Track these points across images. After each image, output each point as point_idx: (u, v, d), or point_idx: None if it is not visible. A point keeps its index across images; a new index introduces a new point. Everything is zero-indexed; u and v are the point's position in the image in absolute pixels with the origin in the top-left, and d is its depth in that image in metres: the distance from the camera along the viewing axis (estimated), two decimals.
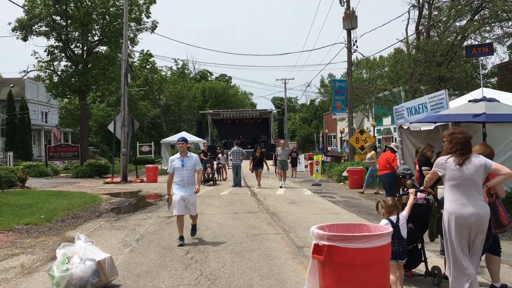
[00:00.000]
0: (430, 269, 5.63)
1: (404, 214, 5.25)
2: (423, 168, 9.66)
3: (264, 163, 18.69)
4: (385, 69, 31.46)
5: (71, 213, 11.86)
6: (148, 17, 33.67)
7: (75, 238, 5.98)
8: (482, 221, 4.63)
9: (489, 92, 11.30)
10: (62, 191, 17.53)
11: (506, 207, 5.40)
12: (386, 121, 39.87)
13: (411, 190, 5.53)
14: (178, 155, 8.29)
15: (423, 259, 5.68)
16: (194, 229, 8.71)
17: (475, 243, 4.70)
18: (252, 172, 19.02)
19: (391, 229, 4.23)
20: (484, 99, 9.17)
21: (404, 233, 5.16)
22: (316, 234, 4.01)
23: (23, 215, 11.14)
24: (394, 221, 5.12)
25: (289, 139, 62.50)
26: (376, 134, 43.28)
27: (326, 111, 59.27)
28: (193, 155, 8.44)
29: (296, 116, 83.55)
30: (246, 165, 20.51)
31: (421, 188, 5.65)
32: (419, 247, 5.66)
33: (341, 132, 51.75)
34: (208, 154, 24.43)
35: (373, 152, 17.23)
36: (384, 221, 5.18)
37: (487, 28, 22.86)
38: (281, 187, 17.96)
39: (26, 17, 30.46)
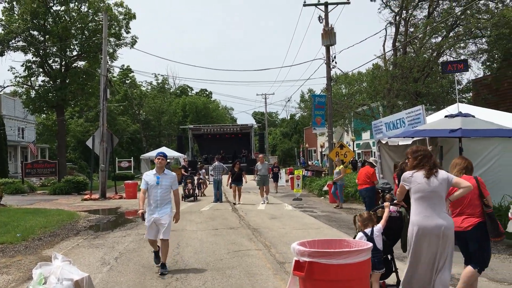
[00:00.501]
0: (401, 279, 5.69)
1: (379, 226, 5.40)
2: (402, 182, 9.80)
3: (243, 178, 18.26)
4: (364, 85, 31.98)
5: (48, 231, 11.61)
6: (127, 32, 33.56)
7: (52, 257, 5.85)
8: (446, 233, 4.79)
9: (465, 108, 11.56)
10: (39, 208, 17.17)
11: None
12: (365, 135, 40.36)
13: (386, 204, 5.69)
14: (154, 171, 7.47)
15: (394, 270, 5.75)
16: (164, 267, 7.29)
17: (442, 257, 4.83)
18: (230, 188, 18.49)
19: (370, 245, 4.26)
20: (460, 114, 9.38)
21: (379, 245, 5.29)
22: (297, 250, 4.01)
23: None
24: (369, 234, 5.29)
25: (270, 154, 62.71)
26: (355, 149, 43.73)
27: (306, 125, 59.74)
28: (171, 173, 7.58)
29: (276, 131, 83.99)
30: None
31: (395, 201, 5.78)
32: (389, 258, 5.75)
33: (321, 147, 52.14)
34: (189, 169, 24.27)
35: (341, 166, 17.14)
36: (360, 234, 5.35)
37: (462, 44, 23.47)
38: (263, 203, 17.69)
39: (2, 32, 30.06)
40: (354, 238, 5.47)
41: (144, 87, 68.20)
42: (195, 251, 8.87)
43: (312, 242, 4.35)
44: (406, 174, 5.11)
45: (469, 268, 5.24)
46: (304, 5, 24.18)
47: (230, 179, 18.28)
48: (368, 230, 5.34)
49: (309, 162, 52.47)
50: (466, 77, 39.59)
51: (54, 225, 12.58)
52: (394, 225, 5.71)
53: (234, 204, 17.52)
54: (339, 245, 4.39)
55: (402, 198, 5.46)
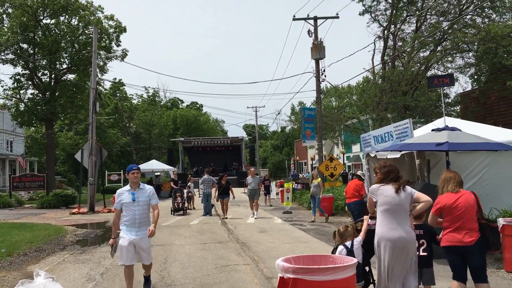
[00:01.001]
0: None
1: (359, 239, 5.54)
2: None
3: (230, 191, 17.75)
4: (354, 97, 32.19)
5: (34, 246, 11.46)
6: (118, 45, 33.62)
7: (34, 274, 5.76)
8: (408, 245, 5.00)
9: (452, 121, 11.65)
10: (25, 222, 16.96)
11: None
12: (355, 148, 40.53)
13: (365, 217, 5.80)
14: (127, 187, 6.64)
15: (371, 281, 5.77)
16: (147, 281, 6.96)
17: (405, 267, 5.01)
18: (217, 201, 18.08)
19: (355, 261, 4.24)
20: (446, 128, 9.44)
21: (359, 257, 5.37)
22: (281, 267, 3.98)
23: None
24: (349, 246, 5.42)
25: (260, 166, 62.63)
26: (346, 161, 43.84)
27: (297, 138, 59.91)
28: (147, 186, 6.74)
29: (267, 143, 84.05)
30: None
31: (370, 214, 5.84)
32: (367, 270, 5.77)
33: (312, 159, 52.19)
34: (179, 182, 24.02)
35: (319, 179, 17.00)
36: (340, 247, 5.49)
37: (449, 58, 23.75)
38: (252, 216, 17.41)
39: None
40: (334, 251, 5.57)
41: (135, 99, 68.09)
42: (183, 266, 8.78)
43: (297, 258, 4.32)
44: (374, 187, 5.29)
45: (486, 285, 5.34)
46: (294, 19, 24.37)
47: (217, 192, 17.90)
48: (348, 243, 5.47)
49: (299, 174, 52.51)
50: (454, 90, 40.07)
51: (40, 240, 12.42)
52: (373, 237, 5.72)
53: (223, 218, 17.23)
54: (325, 261, 4.36)
55: (373, 210, 5.57)
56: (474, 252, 5.29)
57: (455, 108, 26.92)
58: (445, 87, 17.28)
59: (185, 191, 21.81)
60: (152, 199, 6.69)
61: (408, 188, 5.17)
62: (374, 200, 5.25)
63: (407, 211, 5.12)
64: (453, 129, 9.30)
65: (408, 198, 5.09)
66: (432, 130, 9.77)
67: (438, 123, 11.57)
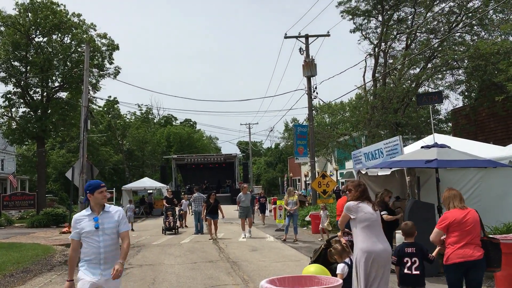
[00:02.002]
0: None
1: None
2: (382, 213, 9.77)
3: (219, 210, 16.85)
4: (346, 114, 32.33)
5: (21, 267, 11.26)
6: (111, 63, 33.65)
7: None
8: (386, 256, 5.37)
9: (441, 138, 11.68)
10: (14, 242, 16.71)
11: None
12: (349, 164, 40.48)
13: (339, 234, 5.97)
14: (88, 210, 4.97)
15: None
16: None
17: (385, 274, 5.35)
18: (205, 221, 17.49)
19: (340, 281, 4.18)
20: (435, 145, 9.46)
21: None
22: None
23: None
24: (349, 263, 5.59)
25: (254, 183, 62.45)
26: (339, 178, 43.79)
27: (290, 155, 59.81)
28: (113, 208, 5.08)
29: (261, 160, 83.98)
30: None
31: (345, 230, 6.04)
32: None
33: (306, 176, 52.12)
34: (174, 200, 23.27)
35: (296, 196, 16.65)
36: (341, 265, 5.62)
37: (440, 75, 23.96)
38: (244, 237, 16.47)
39: None
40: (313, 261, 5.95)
41: (128, 118, 68.00)
42: (171, 287, 8.65)
43: (282, 279, 4.25)
44: (352, 204, 5.51)
45: None
46: (285, 37, 24.56)
47: (205, 211, 17.07)
48: (348, 260, 5.62)
49: (296, 191, 52.26)
50: (445, 107, 40.35)
51: (28, 260, 12.22)
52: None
53: (210, 239, 16.20)
54: (310, 282, 4.29)
55: (344, 226, 5.90)
56: (479, 267, 5.41)
57: (447, 124, 27.08)
58: (434, 104, 17.42)
59: (177, 209, 21.65)
60: (121, 225, 4.99)
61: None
62: (353, 217, 5.45)
63: (381, 225, 5.55)
64: (442, 146, 9.31)
65: (379, 215, 5.58)
66: (422, 147, 9.79)
67: (428, 140, 11.61)
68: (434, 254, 5.74)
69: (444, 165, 8.65)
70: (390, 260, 5.46)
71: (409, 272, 5.58)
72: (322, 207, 16.10)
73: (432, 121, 12.46)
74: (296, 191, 45.25)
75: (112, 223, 4.95)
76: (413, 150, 11.15)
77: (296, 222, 16.09)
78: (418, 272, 5.56)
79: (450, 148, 9.36)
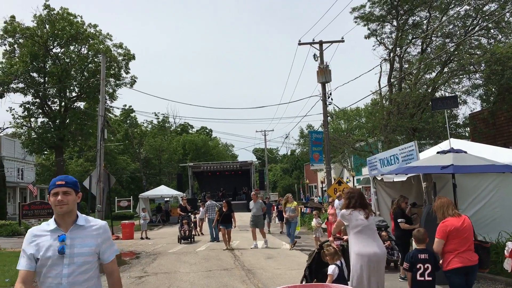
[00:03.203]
0: None
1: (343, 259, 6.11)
2: (398, 220, 9.65)
3: (232, 219, 15.98)
4: (362, 120, 32.12)
5: None
6: (127, 72, 34.16)
7: None
8: (381, 258, 5.72)
9: (458, 143, 11.49)
10: None
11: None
12: (365, 170, 40.11)
13: (330, 239, 6.47)
14: (50, 224, 3.24)
15: None
16: None
17: (381, 276, 5.70)
18: (219, 230, 16.82)
19: None
20: (451, 150, 9.31)
21: (346, 274, 5.96)
22: None
23: None
24: (340, 265, 5.94)
25: (270, 190, 62.32)
26: (356, 184, 43.47)
27: (306, 161, 59.63)
28: (96, 223, 3.30)
29: (277, 167, 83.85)
30: None
31: (337, 235, 6.65)
32: None
33: (322, 182, 51.88)
34: (190, 207, 23.01)
35: (294, 203, 16.19)
36: (332, 266, 5.93)
37: (456, 80, 23.66)
38: (253, 247, 15.69)
39: (2, 74, 30.48)
40: (307, 269, 6.33)
41: (145, 126, 68.63)
42: None
43: (294, 287, 4.20)
44: (344, 212, 5.92)
45: None
46: (299, 44, 24.54)
47: (218, 220, 16.45)
48: (338, 262, 5.97)
49: (313, 198, 52.04)
50: (462, 111, 39.87)
51: None
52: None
53: (225, 249, 15.44)
54: None
55: (337, 231, 6.45)
56: (475, 270, 5.75)
57: (465, 129, 26.69)
58: (450, 109, 17.19)
59: (195, 216, 21.57)
60: (104, 251, 3.25)
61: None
62: (346, 223, 5.90)
63: (375, 230, 5.92)
64: (458, 151, 9.16)
65: (374, 221, 5.99)
66: (438, 152, 9.64)
67: (444, 145, 11.44)
68: (441, 261, 5.79)
69: (460, 171, 8.51)
70: (383, 263, 5.77)
71: (422, 278, 5.63)
72: (315, 214, 15.82)
73: (448, 126, 12.24)
74: (313, 198, 44.91)
75: (88, 246, 3.11)
76: (429, 155, 11.00)
77: (294, 230, 15.63)
78: (430, 278, 5.64)
79: (466, 153, 9.21)
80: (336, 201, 18.35)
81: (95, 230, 3.23)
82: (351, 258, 5.78)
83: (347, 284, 5.62)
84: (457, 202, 9.25)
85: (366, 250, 5.65)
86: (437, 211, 5.92)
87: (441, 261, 5.76)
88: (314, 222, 15.34)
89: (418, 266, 5.68)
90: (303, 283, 6.27)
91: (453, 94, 20.90)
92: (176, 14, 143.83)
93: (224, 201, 17.21)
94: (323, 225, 20.14)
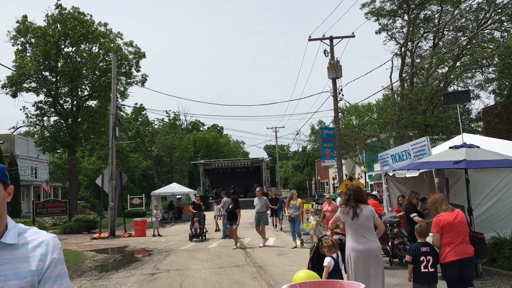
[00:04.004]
0: None
1: (339, 252, 6.34)
2: (412, 215, 9.58)
3: (238, 216, 15.37)
4: (374, 116, 31.90)
5: None
6: (138, 71, 34.27)
7: None
8: (373, 254, 5.90)
9: (471, 138, 11.35)
10: None
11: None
12: (377, 167, 39.82)
13: (328, 233, 6.83)
14: None
15: None
16: None
17: (376, 273, 5.88)
18: (227, 228, 16.29)
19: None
20: (464, 145, 9.21)
21: (342, 266, 6.23)
22: None
23: None
24: (335, 258, 6.19)
25: (282, 187, 62.24)
26: (368, 180, 43.25)
27: (317, 158, 59.41)
28: (37, 238, 1.98)
29: (288, 164, 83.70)
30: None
31: (334, 231, 6.88)
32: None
33: (333, 179, 51.67)
34: (202, 206, 22.36)
35: (299, 200, 15.75)
36: (328, 259, 6.17)
37: (469, 74, 23.36)
38: (261, 245, 15.24)
39: (16, 74, 30.77)
40: (312, 262, 6.62)
41: (156, 124, 68.95)
42: None
43: (304, 284, 4.17)
44: (342, 209, 6.19)
45: None
46: (310, 39, 24.41)
47: (226, 217, 16.00)
48: (335, 255, 6.22)
49: (325, 194, 51.80)
50: (476, 106, 39.41)
51: None
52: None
53: (234, 248, 15.07)
54: (332, 287, 4.20)
55: (334, 226, 6.72)
56: (472, 261, 6.00)
57: (478, 124, 26.37)
58: (462, 104, 16.98)
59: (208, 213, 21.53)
60: (47, 280, 1.93)
61: (370, 209, 6.10)
62: (343, 219, 6.13)
63: (371, 227, 6.00)
64: (471, 146, 9.05)
65: (370, 218, 6.00)
66: (450, 147, 9.54)
67: (456, 140, 11.31)
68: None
69: (473, 166, 8.41)
70: (376, 258, 5.92)
71: (426, 270, 5.88)
72: (313, 212, 15.43)
73: (460, 121, 12.09)
74: (325, 195, 44.84)
75: (19, 277, 1.89)
76: (441, 150, 10.89)
77: (298, 228, 15.25)
78: (433, 270, 5.91)
79: (479, 148, 9.09)
80: (338, 199, 18.41)
81: (34, 249, 1.96)
82: (346, 253, 6.10)
83: (342, 276, 6.04)
84: (470, 198, 9.16)
85: (360, 246, 5.90)
86: (431, 207, 6.29)
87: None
88: (312, 220, 15.01)
89: (421, 259, 5.92)
90: None
91: (465, 89, 20.63)
92: (185, 13, 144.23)
93: (230, 198, 16.67)
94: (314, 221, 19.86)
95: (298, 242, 15.19)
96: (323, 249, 6.39)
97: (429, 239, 6.26)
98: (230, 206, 15.78)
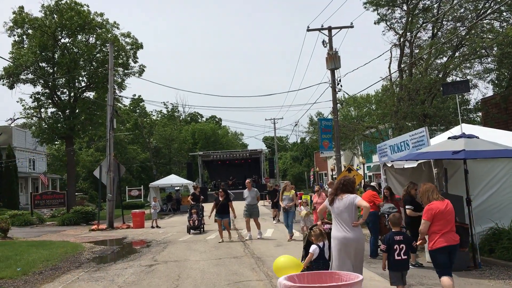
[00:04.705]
0: None
1: (327, 242, 6.61)
2: (407, 206, 9.54)
3: (230, 209, 14.58)
4: (373, 107, 31.81)
5: (50, 265, 11.47)
6: (135, 61, 34.07)
7: None
8: (352, 242, 6.17)
9: (470, 128, 11.31)
10: (44, 240, 17.07)
11: None
12: (376, 158, 39.91)
13: (319, 223, 6.96)
14: None
15: None
16: None
17: (356, 260, 6.21)
18: (215, 222, 14.92)
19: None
20: (463, 135, 9.16)
21: (327, 254, 6.54)
22: (283, 286, 3.82)
23: None
24: (321, 246, 6.53)
25: (280, 178, 62.27)
26: (366, 171, 43.28)
27: (316, 149, 59.38)
28: None
29: (287, 155, 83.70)
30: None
31: (324, 220, 7.16)
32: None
33: (332, 170, 51.69)
34: (201, 197, 20.89)
35: (292, 191, 15.18)
36: (313, 246, 6.52)
37: (468, 64, 23.27)
38: (248, 238, 14.72)
39: (12, 65, 30.56)
40: (303, 250, 7.02)
41: (154, 116, 68.79)
42: (195, 283, 8.64)
43: (302, 275, 4.15)
44: (328, 198, 6.59)
45: (451, 278, 6.24)
46: (308, 30, 24.23)
47: (214, 210, 14.75)
48: (321, 244, 6.54)
49: (326, 186, 51.77)
50: (474, 96, 39.36)
51: (57, 257, 12.45)
52: (328, 239, 6.78)
53: (220, 242, 14.34)
54: (330, 278, 4.18)
55: (321, 215, 7.14)
56: (457, 249, 6.40)
57: (477, 114, 26.33)
58: (461, 94, 16.94)
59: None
60: None
61: (350, 197, 6.30)
62: (328, 208, 6.52)
63: (350, 215, 6.24)
64: (470, 136, 9.01)
65: (350, 205, 6.24)
66: (449, 138, 9.49)
67: (455, 130, 11.26)
68: (418, 243, 6.57)
69: (472, 156, 8.37)
70: (355, 247, 6.18)
71: (399, 258, 6.28)
72: (304, 203, 14.99)
73: (459, 111, 12.01)
74: (326, 186, 44.83)
75: None
76: (440, 141, 10.84)
77: (292, 220, 14.78)
78: (406, 257, 6.35)
79: (478, 138, 9.05)
80: (330, 190, 18.27)
81: None
82: (331, 240, 6.45)
83: (327, 264, 6.44)
84: (469, 188, 9.12)
85: (338, 234, 6.23)
86: (423, 196, 6.56)
87: (416, 243, 6.56)
88: (303, 210, 14.59)
89: (394, 247, 6.31)
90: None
91: (464, 79, 20.55)
92: (184, 3, 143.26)
93: (220, 189, 15.36)
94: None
95: (297, 234, 15.10)
96: (311, 237, 6.75)
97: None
98: (220, 198, 14.60)
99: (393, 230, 6.57)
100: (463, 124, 11.04)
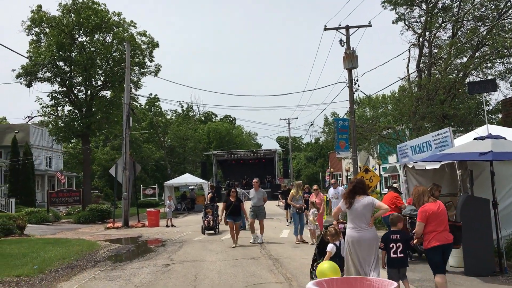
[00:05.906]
0: None
1: (343, 240, 6.81)
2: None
3: (242, 211, 13.99)
4: (389, 107, 31.42)
5: (66, 263, 11.44)
6: (151, 61, 34.14)
7: None
8: (367, 242, 6.26)
9: (495, 129, 10.98)
10: (60, 238, 17.10)
11: None
12: (392, 159, 39.50)
13: (334, 222, 7.16)
14: None
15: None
16: None
17: (369, 260, 6.24)
18: (226, 224, 13.91)
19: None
20: (490, 136, 8.87)
21: (343, 253, 6.68)
22: None
23: (15, 265, 10.73)
24: (338, 245, 6.89)
25: (294, 179, 61.99)
26: (382, 172, 42.83)
27: (331, 149, 59.01)
28: None
29: (301, 155, 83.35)
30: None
31: (339, 220, 7.29)
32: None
33: (347, 171, 51.29)
34: (216, 197, 21.14)
35: (300, 193, 14.45)
36: (330, 245, 6.90)
37: (489, 64, 22.81)
38: (252, 242, 13.96)
39: (30, 63, 30.78)
40: (318, 249, 7.32)
41: (169, 115, 68.95)
42: (213, 284, 8.50)
43: (331, 281, 3.97)
44: (343, 199, 6.63)
45: (444, 276, 6.47)
46: (325, 29, 23.95)
47: (225, 212, 13.90)
48: (337, 242, 6.86)
49: (340, 186, 51.34)
50: (495, 97, 38.68)
51: (73, 256, 12.41)
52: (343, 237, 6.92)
53: (234, 246, 13.51)
54: (361, 284, 3.99)
55: (337, 216, 7.22)
56: (451, 248, 6.70)
57: (496, 115, 25.81)
58: (487, 93, 16.56)
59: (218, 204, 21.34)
60: None
61: (368, 199, 6.37)
62: (343, 209, 6.56)
63: (366, 217, 6.32)
64: (497, 137, 8.72)
65: (368, 206, 6.31)
66: (475, 138, 9.20)
67: (480, 131, 10.94)
68: (414, 242, 6.87)
69: (500, 157, 8.08)
70: (367, 245, 6.23)
71: (395, 255, 6.46)
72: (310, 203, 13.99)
73: (485, 112, 11.70)
74: (341, 187, 44.37)
75: None
76: (464, 142, 10.54)
77: (304, 222, 14.31)
78: (402, 255, 6.51)
79: (505, 139, 8.75)
80: (332, 190, 18.02)
81: None
82: (345, 239, 6.58)
83: (342, 262, 6.55)
84: (495, 191, 8.83)
85: (354, 234, 6.32)
86: (417, 199, 6.89)
87: (413, 242, 6.87)
88: (311, 214, 13.66)
89: (391, 246, 6.50)
90: (315, 259, 7.59)
91: (491, 78, 20.10)
92: (201, 2, 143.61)
93: (232, 189, 14.50)
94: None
95: (309, 236, 14.40)
96: (326, 237, 7.01)
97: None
98: (232, 199, 13.81)
99: (391, 229, 6.81)
100: (489, 125, 10.72)
